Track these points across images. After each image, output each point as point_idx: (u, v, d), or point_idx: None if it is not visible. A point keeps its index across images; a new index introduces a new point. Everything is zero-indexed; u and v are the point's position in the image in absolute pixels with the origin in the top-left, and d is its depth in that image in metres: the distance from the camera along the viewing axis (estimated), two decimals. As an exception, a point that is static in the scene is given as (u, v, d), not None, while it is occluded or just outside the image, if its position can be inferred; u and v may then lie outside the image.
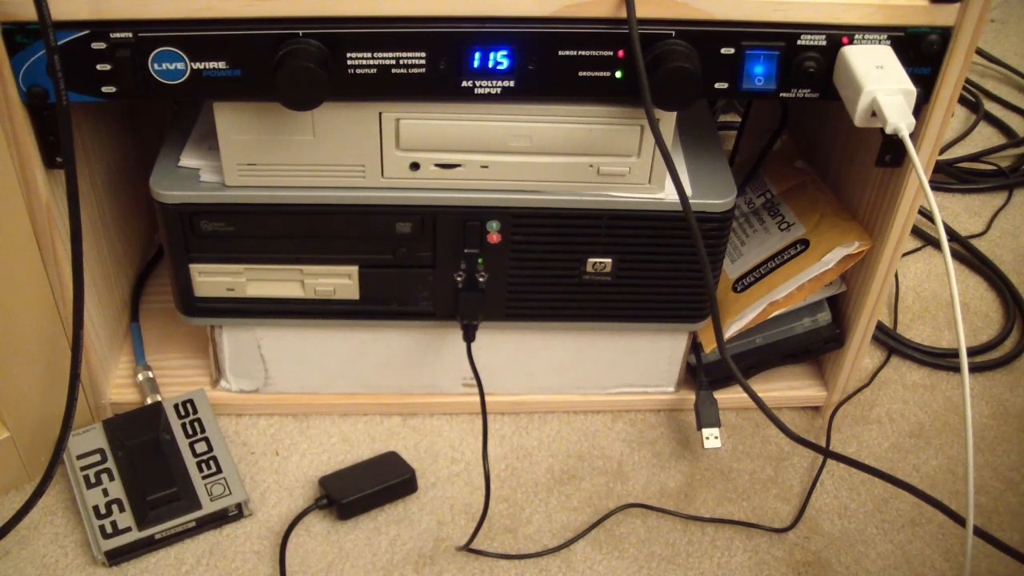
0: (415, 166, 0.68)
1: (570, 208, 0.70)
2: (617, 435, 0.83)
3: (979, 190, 1.14)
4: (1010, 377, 0.91)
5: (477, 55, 0.61)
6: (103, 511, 0.72)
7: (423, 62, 0.61)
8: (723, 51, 0.62)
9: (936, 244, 1.05)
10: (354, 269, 0.72)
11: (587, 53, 0.62)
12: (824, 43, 0.62)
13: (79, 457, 0.75)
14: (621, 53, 0.62)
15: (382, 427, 0.82)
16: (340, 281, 0.73)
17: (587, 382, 0.83)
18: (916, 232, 1.07)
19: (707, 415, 0.79)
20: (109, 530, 0.71)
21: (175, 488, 0.73)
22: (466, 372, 0.80)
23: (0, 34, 0.58)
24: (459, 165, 0.68)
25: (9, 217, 0.65)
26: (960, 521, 0.69)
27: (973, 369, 0.91)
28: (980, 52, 1.35)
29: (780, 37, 0.62)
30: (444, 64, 0.61)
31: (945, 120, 0.66)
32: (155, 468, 0.74)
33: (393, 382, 0.81)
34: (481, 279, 0.73)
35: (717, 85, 0.64)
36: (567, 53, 0.62)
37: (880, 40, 0.62)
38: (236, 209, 0.69)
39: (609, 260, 0.72)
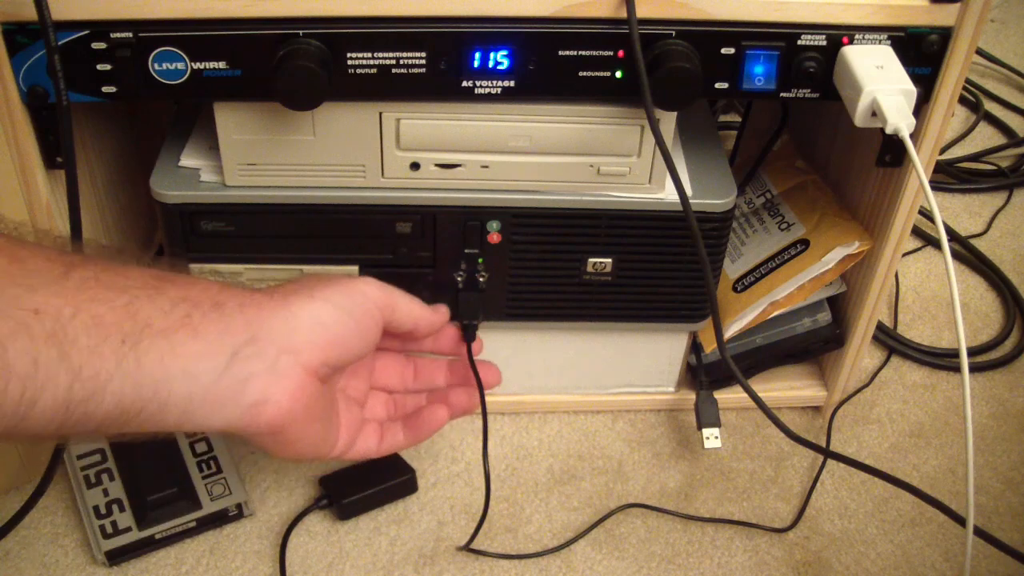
0: (415, 166, 0.68)
1: (570, 208, 0.70)
2: (617, 435, 0.83)
3: (979, 190, 1.14)
4: (1010, 377, 0.91)
5: (477, 55, 0.61)
6: (103, 511, 0.72)
7: (423, 62, 0.61)
8: (723, 51, 0.62)
9: (936, 244, 1.05)
10: (354, 269, 0.72)
11: (587, 53, 0.62)
12: (824, 43, 0.62)
13: (79, 457, 0.75)
14: (621, 53, 0.62)
15: (382, 427, 0.82)
16: (340, 281, 0.73)
17: (587, 382, 0.83)
18: (916, 232, 1.07)
19: (707, 415, 0.79)
20: (109, 530, 0.71)
21: (175, 488, 0.73)
22: (466, 372, 0.80)
23: (0, 34, 0.58)
24: (459, 165, 0.68)
25: (9, 217, 0.65)
26: (960, 521, 0.69)
27: (973, 369, 0.91)
28: (980, 52, 1.35)
29: (780, 37, 0.62)
30: (444, 64, 0.61)
31: (945, 120, 0.66)
32: (155, 468, 0.74)
33: (393, 382, 0.81)
34: (481, 279, 0.73)
35: (717, 85, 0.64)
36: (567, 53, 0.62)
37: (880, 40, 0.62)
38: (236, 209, 0.69)
39: (609, 260, 0.72)
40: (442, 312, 0.64)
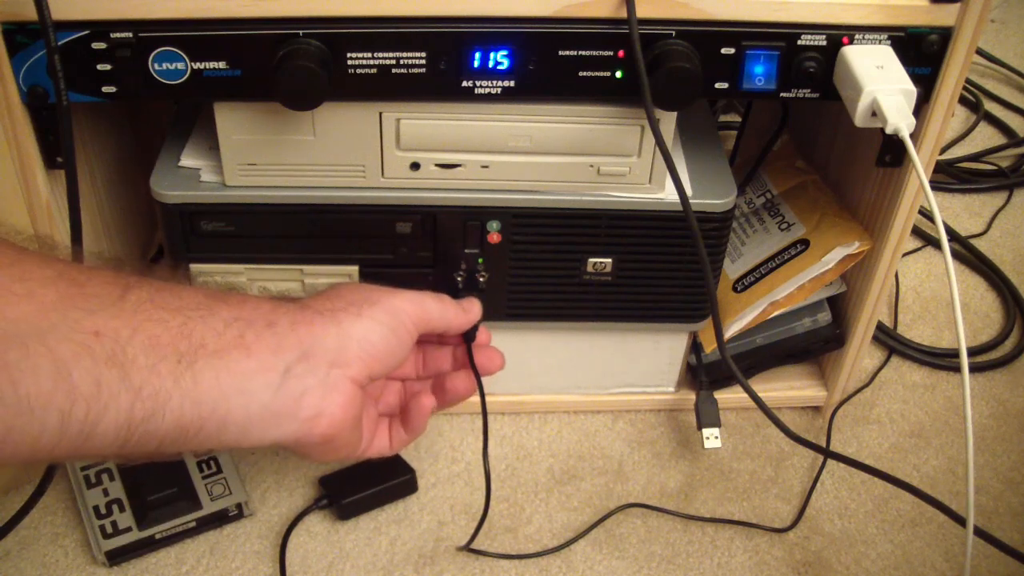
0: (415, 166, 0.68)
1: (570, 208, 0.70)
2: (617, 435, 0.83)
3: (979, 190, 1.14)
4: (1010, 377, 0.91)
5: (477, 55, 0.61)
6: (103, 511, 0.72)
7: (423, 62, 0.61)
8: (723, 51, 0.62)
9: (936, 244, 1.05)
10: (354, 269, 0.72)
11: (587, 53, 0.62)
12: (824, 43, 0.62)
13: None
14: (621, 53, 0.62)
15: (382, 427, 0.82)
16: (340, 281, 0.73)
17: (587, 382, 0.83)
18: (916, 232, 1.07)
19: (707, 415, 0.79)
20: (109, 530, 0.71)
21: (175, 488, 0.73)
22: (466, 372, 0.80)
23: (0, 34, 0.58)
24: (459, 165, 0.68)
25: (9, 217, 0.65)
26: (960, 521, 0.69)
27: (973, 369, 0.91)
28: (980, 52, 1.35)
29: (780, 37, 0.62)
30: (444, 64, 0.61)
31: (945, 120, 0.66)
32: (155, 468, 0.74)
33: (393, 382, 0.81)
34: (481, 279, 0.73)
35: (717, 85, 0.64)
36: (567, 53, 0.62)
37: (880, 40, 0.62)
38: (236, 209, 0.69)
39: (609, 260, 0.72)
40: (473, 311, 0.65)
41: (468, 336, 0.66)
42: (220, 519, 0.74)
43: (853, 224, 0.77)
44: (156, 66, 0.60)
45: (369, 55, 0.61)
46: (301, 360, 0.52)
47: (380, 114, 0.65)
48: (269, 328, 0.52)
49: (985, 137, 1.24)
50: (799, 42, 0.62)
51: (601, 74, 0.63)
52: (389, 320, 0.57)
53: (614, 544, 0.74)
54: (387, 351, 0.56)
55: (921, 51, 0.63)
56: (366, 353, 0.55)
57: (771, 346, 0.82)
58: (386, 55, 0.61)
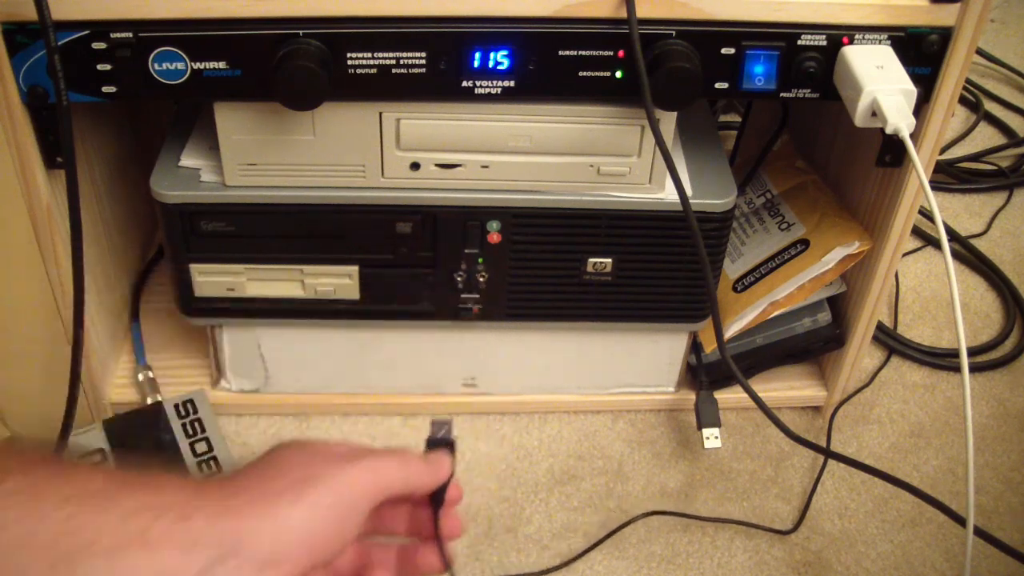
0: (415, 166, 0.68)
1: (570, 208, 0.70)
2: (617, 435, 0.83)
3: (979, 190, 1.14)
4: (1010, 377, 0.91)
5: (477, 55, 0.61)
6: (103, 511, 0.72)
7: (423, 62, 0.61)
8: (723, 51, 0.62)
9: (936, 244, 1.05)
10: (354, 269, 0.72)
11: (587, 53, 0.62)
12: (824, 43, 0.62)
13: (79, 457, 0.75)
14: (621, 53, 0.62)
15: (382, 427, 0.82)
16: (340, 281, 0.73)
17: (587, 382, 0.83)
18: (916, 232, 1.07)
19: (707, 415, 0.79)
20: (109, 530, 0.70)
21: (175, 488, 0.72)
22: (466, 372, 0.80)
23: (0, 34, 0.58)
24: (459, 165, 0.68)
25: (9, 217, 0.65)
26: (960, 521, 0.69)
27: (973, 369, 0.91)
28: (980, 52, 1.35)
29: (780, 37, 0.62)
30: (444, 64, 0.61)
31: (945, 120, 0.66)
32: (155, 468, 0.74)
33: (393, 382, 0.81)
34: (481, 279, 0.73)
35: (717, 85, 0.64)
36: (567, 53, 0.62)
37: (880, 40, 0.62)
38: (236, 209, 0.69)
39: (609, 260, 0.72)
40: (443, 469, 0.54)
41: (435, 498, 0.52)
42: (220, 519, 0.73)
43: (853, 224, 0.77)
44: (156, 66, 0.60)
45: (369, 55, 0.61)
46: (221, 560, 0.43)
47: (380, 114, 0.65)
48: (183, 521, 0.43)
49: (985, 137, 1.24)
50: (799, 42, 0.62)
51: (601, 74, 0.63)
52: (335, 502, 0.48)
53: (614, 544, 0.74)
54: (329, 540, 0.48)
55: (921, 51, 0.63)
56: (305, 546, 0.46)
57: (771, 346, 0.82)
58: (386, 55, 0.61)
